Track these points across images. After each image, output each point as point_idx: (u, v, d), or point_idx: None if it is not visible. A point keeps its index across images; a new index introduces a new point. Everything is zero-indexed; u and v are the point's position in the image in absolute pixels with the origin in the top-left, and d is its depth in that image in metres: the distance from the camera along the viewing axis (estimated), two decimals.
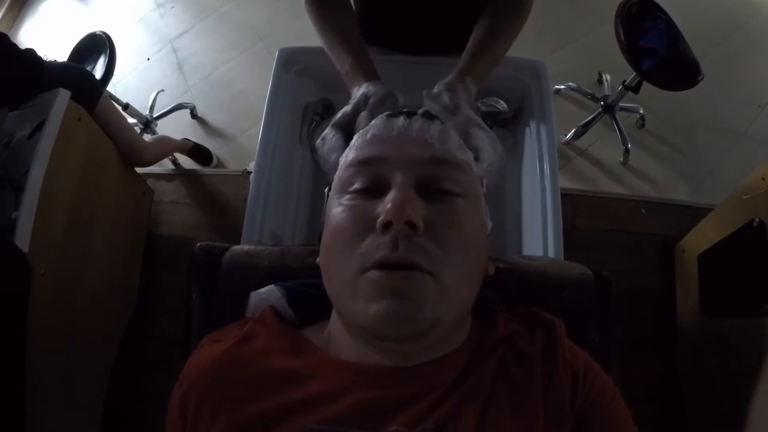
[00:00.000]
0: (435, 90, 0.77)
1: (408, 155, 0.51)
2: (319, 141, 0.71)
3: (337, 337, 0.54)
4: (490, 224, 0.58)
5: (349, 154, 0.56)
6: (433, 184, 0.50)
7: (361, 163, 0.53)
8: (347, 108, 0.75)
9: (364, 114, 0.71)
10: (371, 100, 0.74)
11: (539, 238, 0.96)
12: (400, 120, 0.56)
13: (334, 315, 0.56)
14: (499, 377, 0.50)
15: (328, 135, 0.70)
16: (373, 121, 0.59)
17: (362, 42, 0.91)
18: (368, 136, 0.56)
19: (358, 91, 0.79)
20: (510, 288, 0.69)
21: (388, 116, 0.58)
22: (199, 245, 0.74)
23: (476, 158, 0.61)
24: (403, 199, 0.45)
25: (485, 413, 0.46)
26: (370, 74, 0.83)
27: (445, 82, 0.79)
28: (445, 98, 0.74)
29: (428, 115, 0.57)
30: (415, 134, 0.54)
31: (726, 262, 1.51)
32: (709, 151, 2.32)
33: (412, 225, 0.44)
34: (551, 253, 0.93)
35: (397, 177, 0.49)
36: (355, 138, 0.59)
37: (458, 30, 0.92)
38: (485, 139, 0.65)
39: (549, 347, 0.52)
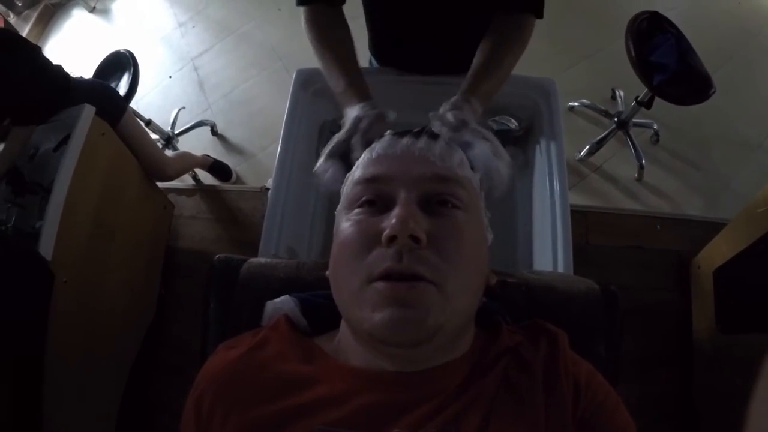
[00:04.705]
0: (441, 110, 0.79)
1: (411, 173, 0.54)
2: (318, 169, 0.74)
3: (345, 344, 0.57)
4: (490, 237, 0.61)
5: (356, 172, 0.59)
6: (435, 199, 0.53)
7: (368, 181, 0.56)
8: (340, 134, 0.77)
9: (357, 138, 0.74)
10: (363, 123, 0.77)
11: (549, 253, 0.97)
12: (405, 139, 0.59)
13: (343, 324, 0.58)
14: (502, 386, 0.51)
15: (324, 167, 0.73)
16: (378, 141, 0.62)
17: (356, 63, 0.95)
18: (374, 154, 0.59)
19: (351, 113, 0.82)
20: (517, 302, 0.70)
21: (394, 136, 0.61)
22: (218, 257, 0.77)
23: (479, 168, 0.65)
24: (407, 215, 0.48)
25: (487, 421, 0.48)
26: (362, 95, 0.86)
27: (450, 102, 0.82)
28: (450, 117, 0.76)
29: (432, 135, 0.60)
30: (418, 153, 0.57)
31: (741, 277, 1.50)
32: (725, 164, 2.31)
33: (415, 238, 0.47)
34: (561, 269, 0.95)
35: (401, 193, 0.51)
36: (362, 156, 0.62)
37: (465, 52, 0.95)
38: (489, 149, 0.68)
39: (551, 358, 0.53)
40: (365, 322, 0.47)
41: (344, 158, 0.72)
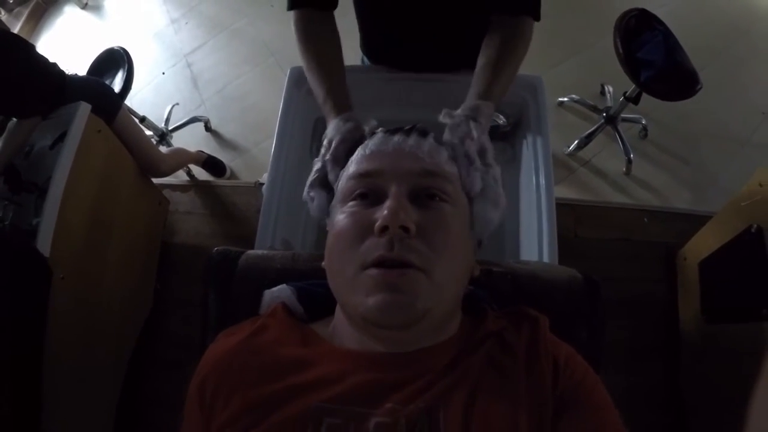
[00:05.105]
0: (459, 112, 0.79)
1: (402, 168, 0.58)
2: (305, 198, 0.75)
3: (340, 329, 0.60)
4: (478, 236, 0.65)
5: (350, 167, 0.63)
6: (424, 193, 0.57)
7: (361, 176, 0.60)
8: (318, 163, 0.76)
9: (328, 159, 0.74)
10: (333, 143, 0.76)
11: (535, 244, 1.01)
12: (396, 137, 0.63)
13: (338, 310, 0.62)
14: (487, 366, 0.55)
15: (308, 197, 0.74)
16: (371, 138, 0.66)
17: (339, 71, 0.94)
18: (367, 151, 0.63)
19: (327, 130, 0.81)
20: (503, 290, 0.73)
21: (385, 133, 0.65)
22: (216, 249, 0.79)
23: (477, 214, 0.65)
24: (398, 207, 0.52)
25: (473, 397, 0.51)
26: (340, 107, 0.85)
27: (468, 107, 0.81)
28: (472, 145, 0.71)
29: (422, 132, 0.64)
30: (408, 149, 0.60)
31: (726, 268, 1.54)
32: (713, 159, 2.34)
33: (405, 228, 0.51)
34: (546, 259, 0.98)
35: (392, 187, 0.55)
36: (356, 153, 0.66)
37: (463, 51, 0.97)
38: (490, 198, 0.68)
39: (532, 339, 0.57)
40: (360, 306, 0.51)
41: (325, 185, 0.73)
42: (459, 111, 0.80)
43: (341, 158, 0.71)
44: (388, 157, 0.60)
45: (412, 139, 0.62)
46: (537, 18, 0.97)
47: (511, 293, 0.73)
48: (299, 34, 0.97)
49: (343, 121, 0.81)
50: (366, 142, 0.66)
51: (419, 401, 0.51)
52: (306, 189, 0.75)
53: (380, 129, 0.68)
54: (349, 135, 0.76)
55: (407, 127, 0.65)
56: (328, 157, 0.74)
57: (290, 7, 0.98)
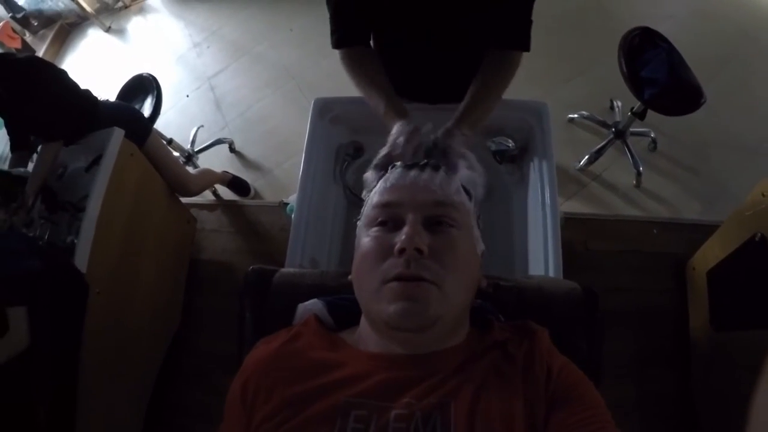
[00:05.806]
0: (437, 135, 0.95)
1: (417, 199, 0.68)
2: (367, 176, 0.86)
3: (364, 335, 0.70)
4: (482, 247, 0.74)
5: (374, 198, 0.74)
6: (435, 220, 0.67)
7: (383, 206, 0.70)
8: (383, 150, 0.92)
9: (398, 153, 0.89)
10: (400, 140, 0.92)
11: (541, 260, 1.08)
12: (413, 172, 0.73)
13: (362, 319, 0.72)
14: (491, 371, 0.64)
15: (372, 176, 0.85)
16: (391, 171, 0.77)
17: (391, 87, 1.10)
18: (388, 184, 0.74)
19: (392, 131, 0.96)
20: (509, 302, 0.82)
21: (404, 168, 0.76)
22: (252, 267, 0.89)
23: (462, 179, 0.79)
24: (413, 232, 0.62)
25: (478, 395, 0.60)
26: (400, 113, 1.02)
27: (445, 128, 0.97)
28: (440, 142, 0.92)
29: (435, 167, 0.75)
30: (422, 183, 0.71)
31: (732, 277, 1.58)
32: (723, 168, 2.36)
33: (419, 250, 0.61)
34: (551, 273, 1.05)
35: (409, 216, 0.66)
36: (379, 184, 0.76)
37: (465, 85, 1.08)
38: (466, 165, 0.84)
39: (530, 350, 0.66)
40: (382, 313, 0.61)
41: (386, 168, 0.84)
42: (438, 132, 0.96)
43: (408, 154, 0.88)
44: (405, 189, 0.71)
45: (426, 174, 0.72)
46: (527, 49, 1.09)
47: (516, 305, 0.82)
48: (350, 66, 1.13)
49: (406, 123, 0.97)
50: (387, 175, 0.76)
51: (432, 397, 0.60)
52: (371, 171, 0.86)
53: (399, 163, 0.78)
54: (411, 134, 0.92)
55: (422, 163, 0.76)
56: (398, 151, 0.89)
57: (336, 47, 1.14)
